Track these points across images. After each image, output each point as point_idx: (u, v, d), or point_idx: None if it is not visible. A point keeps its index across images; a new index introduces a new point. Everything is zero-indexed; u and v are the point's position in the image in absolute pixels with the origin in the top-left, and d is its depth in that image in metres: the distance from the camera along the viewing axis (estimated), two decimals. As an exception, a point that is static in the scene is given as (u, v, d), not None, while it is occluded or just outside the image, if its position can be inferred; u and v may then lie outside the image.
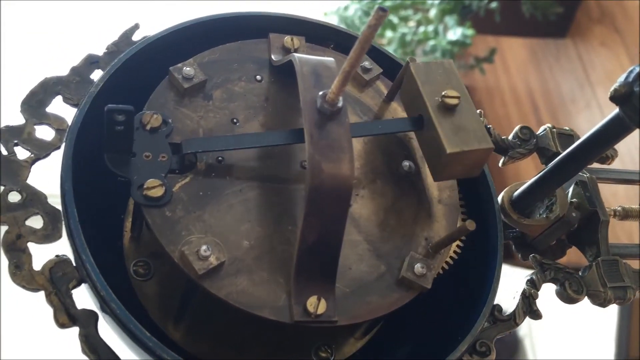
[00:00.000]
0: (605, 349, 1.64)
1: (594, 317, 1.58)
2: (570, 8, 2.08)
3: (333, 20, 1.92)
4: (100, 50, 0.48)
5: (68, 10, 1.66)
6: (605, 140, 0.43)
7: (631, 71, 0.40)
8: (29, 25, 1.63)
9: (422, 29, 1.94)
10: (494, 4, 1.89)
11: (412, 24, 1.99)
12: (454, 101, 0.44)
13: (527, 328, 1.75)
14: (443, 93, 0.44)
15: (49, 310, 0.41)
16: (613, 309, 1.60)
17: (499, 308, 0.47)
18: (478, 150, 0.43)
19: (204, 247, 0.40)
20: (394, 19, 1.96)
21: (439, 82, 0.45)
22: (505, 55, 2.32)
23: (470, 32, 1.87)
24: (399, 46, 1.93)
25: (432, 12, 1.93)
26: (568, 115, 2.08)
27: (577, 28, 2.11)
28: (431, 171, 0.45)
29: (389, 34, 1.94)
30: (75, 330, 0.41)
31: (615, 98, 0.40)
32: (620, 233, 1.51)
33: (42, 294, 0.41)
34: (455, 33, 1.90)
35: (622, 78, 0.40)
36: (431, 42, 1.92)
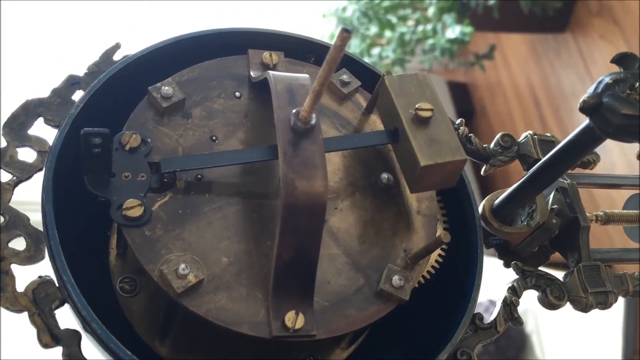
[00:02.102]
0: (613, 343, 1.63)
1: (600, 312, 1.57)
2: (569, 2, 2.07)
3: (332, 22, 1.92)
4: (81, 71, 0.48)
5: (68, 10, 1.66)
6: (578, 149, 0.43)
7: (600, 82, 0.40)
8: (29, 25, 1.64)
9: (420, 27, 1.94)
10: (491, 1, 1.89)
11: (410, 23, 1.99)
12: (427, 114, 0.44)
13: (534, 324, 1.75)
14: (416, 105, 0.44)
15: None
16: (619, 303, 1.60)
17: (480, 316, 0.48)
18: (452, 162, 0.43)
19: (182, 266, 0.40)
20: (393, 18, 1.96)
21: (413, 94, 0.45)
22: (505, 51, 2.32)
23: (469, 29, 1.87)
24: (398, 46, 1.93)
25: (431, 11, 1.93)
26: (570, 110, 2.08)
27: (576, 22, 2.11)
28: (407, 183, 0.46)
29: (387, 34, 1.94)
30: (59, 350, 0.41)
31: (584, 109, 0.40)
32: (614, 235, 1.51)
33: (26, 314, 0.41)
34: (454, 31, 1.90)
35: (591, 89, 0.40)
36: (430, 41, 1.92)
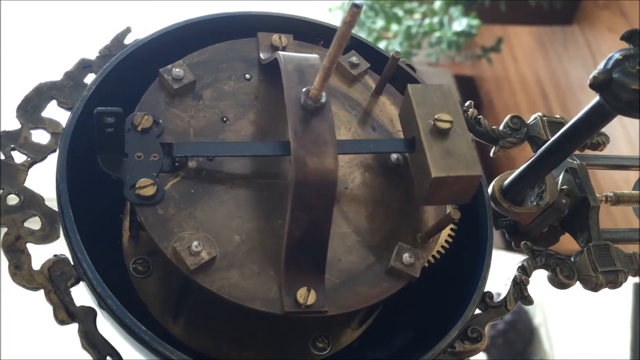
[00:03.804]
0: (621, 336, 1.63)
1: (608, 304, 1.58)
2: (576, -5, 2.07)
3: (338, 16, 1.93)
4: (93, 54, 0.49)
5: (68, 11, 1.67)
6: (588, 127, 0.44)
7: (610, 58, 0.40)
8: (29, 26, 1.64)
9: (427, 21, 1.94)
10: (498, -6, 1.89)
11: (417, 16, 1.99)
12: (445, 125, 0.43)
13: (542, 317, 1.75)
14: (436, 116, 0.43)
15: (49, 310, 0.42)
16: (628, 295, 1.60)
17: (490, 295, 0.48)
18: (465, 176, 0.42)
19: (195, 243, 0.41)
20: (399, 12, 1.96)
21: (435, 105, 0.44)
22: (512, 44, 2.31)
23: (475, 22, 1.87)
24: (404, 39, 1.93)
25: (437, 4, 1.93)
26: (577, 103, 2.08)
27: (583, 14, 2.11)
28: (418, 195, 0.45)
29: (394, 27, 1.94)
30: (74, 327, 0.42)
31: (594, 85, 0.40)
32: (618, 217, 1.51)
33: (41, 292, 0.42)
34: (460, 24, 1.89)
35: (601, 65, 0.41)
36: (437, 34, 1.92)
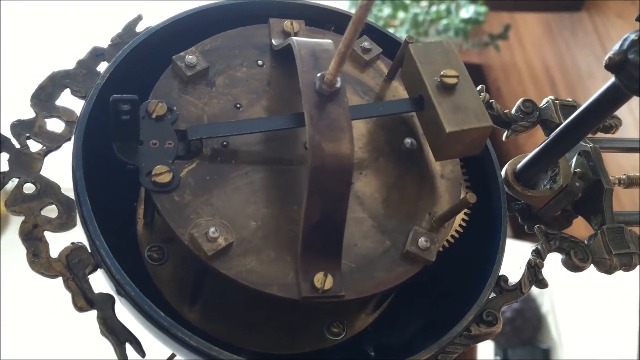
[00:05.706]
0: (629, 323, 1.63)
1: (616, 292, 1.58)
2: (585, -20, 2.06)
3: (344, 5, 1.92)
4: (105, 43, 0.49)
5: (68, 10, 1.67)
6: (603, 109, 0.43)
7: (625, 39, 0.40)
8: (29, 25, 1.65)
9: (434, 8, 1.94)
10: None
11: (424, 3, 1.98)
12: (452, 80, 0.44)
13: (549, 305, 1.76)
14: (442, 73, 0.44)
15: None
16: (635, 284, 1.60)
17: (504, 278, 0.48)
18: (477, 128, 0.43)
19: (212, 229, 0.41)
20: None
21: (438, 62, 0.45)
22: (520, 31, 2.30)
23: (483, 9, 1.86)
24: (411, 27, 1.93)
25: (444, -8, 1.92)
26: (586, 90, 2.07)
27: (592, 1, 2.09)
28: (432, 151, 0.46)
29: (401, 15, 1.94)
30: (93, 314, 0.42)
31: (610, 66, 0.40)
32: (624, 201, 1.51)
33: (59, 280, 0.42)
34: (467, 11, 1.89)
35: (616, 46, 0.40)
36: (444, 21, 1.91)
